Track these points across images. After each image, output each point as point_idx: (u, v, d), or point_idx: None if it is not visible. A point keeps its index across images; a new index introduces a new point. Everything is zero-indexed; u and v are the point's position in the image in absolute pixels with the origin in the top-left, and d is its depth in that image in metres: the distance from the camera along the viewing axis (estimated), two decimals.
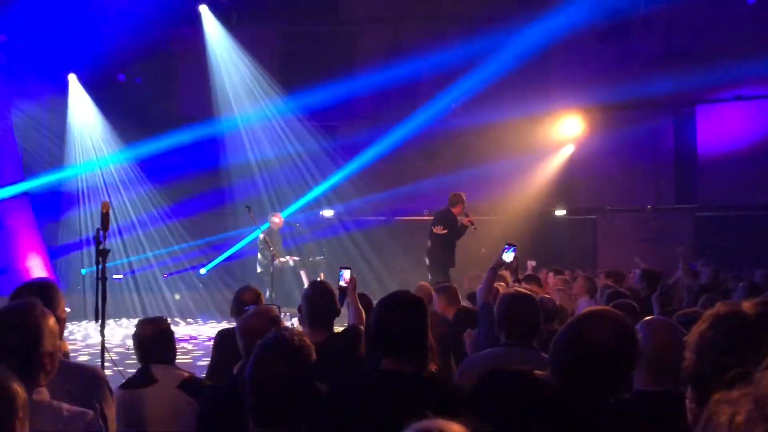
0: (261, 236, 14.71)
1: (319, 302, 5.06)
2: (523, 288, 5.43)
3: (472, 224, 12.42)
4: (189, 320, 17.83)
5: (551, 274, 11.37)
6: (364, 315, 5.48)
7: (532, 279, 9.06)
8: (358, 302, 5.67)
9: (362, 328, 5.27)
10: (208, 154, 19.05)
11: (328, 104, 18.57)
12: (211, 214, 19.24)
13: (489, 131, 19.15)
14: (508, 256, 6.76)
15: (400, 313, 3.39)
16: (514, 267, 7.59)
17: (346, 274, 5.88)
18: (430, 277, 12.46)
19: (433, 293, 7.74)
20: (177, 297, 19.07)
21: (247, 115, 19.41)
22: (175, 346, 4.83)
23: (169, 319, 5.08)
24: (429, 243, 12.73)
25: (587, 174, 20.24)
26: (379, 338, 3.40)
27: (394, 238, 19.42)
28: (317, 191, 19.45)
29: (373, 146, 19.33)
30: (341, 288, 5.69)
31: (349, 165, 19.37)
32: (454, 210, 12.68)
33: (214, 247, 19.41)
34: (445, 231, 12.54)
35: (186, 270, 19.32)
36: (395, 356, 3.35)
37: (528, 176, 20.23)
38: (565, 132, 20.34)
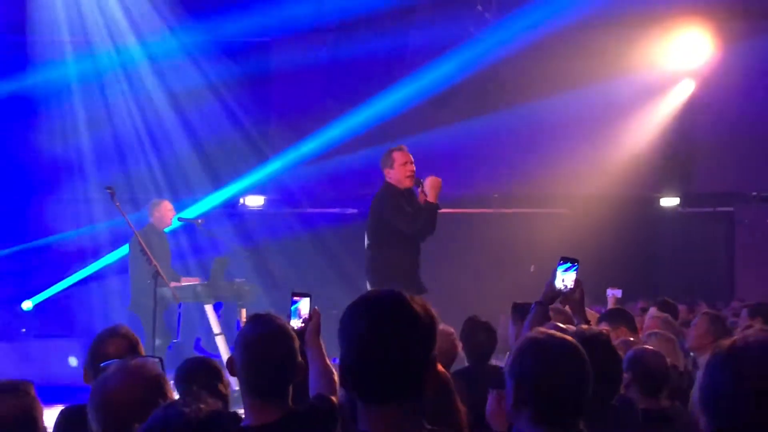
0: (134, 241, 11.59)
1: (269, 355, 3.83)
2: (595, 330, 4.60)
3: (419, 186, 9.34)
4: None
5: (655, 309, 9.27)
6: (336, 375, 4.32)
7: (619, 316, 7.33)
8: (325, 354, 4.51)
9: (335, 400, 4.20)
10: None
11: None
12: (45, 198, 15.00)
13: (544, 55, 15.30)
14: (564, 280, 5.32)
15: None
16: (575, 298, 5.64)
17: (304, 305, 4.72)
18: None
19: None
20: None
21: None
22: None
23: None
24: (368, 252, 9.44)
25: (718, 135, 16.87)
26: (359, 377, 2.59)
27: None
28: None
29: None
30: (296, 331, 4.57)
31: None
32: (391, 177, 8.94)
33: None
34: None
35: None
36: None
37: (613, 136, 16.85)
38: (680, 57, 16.80)
